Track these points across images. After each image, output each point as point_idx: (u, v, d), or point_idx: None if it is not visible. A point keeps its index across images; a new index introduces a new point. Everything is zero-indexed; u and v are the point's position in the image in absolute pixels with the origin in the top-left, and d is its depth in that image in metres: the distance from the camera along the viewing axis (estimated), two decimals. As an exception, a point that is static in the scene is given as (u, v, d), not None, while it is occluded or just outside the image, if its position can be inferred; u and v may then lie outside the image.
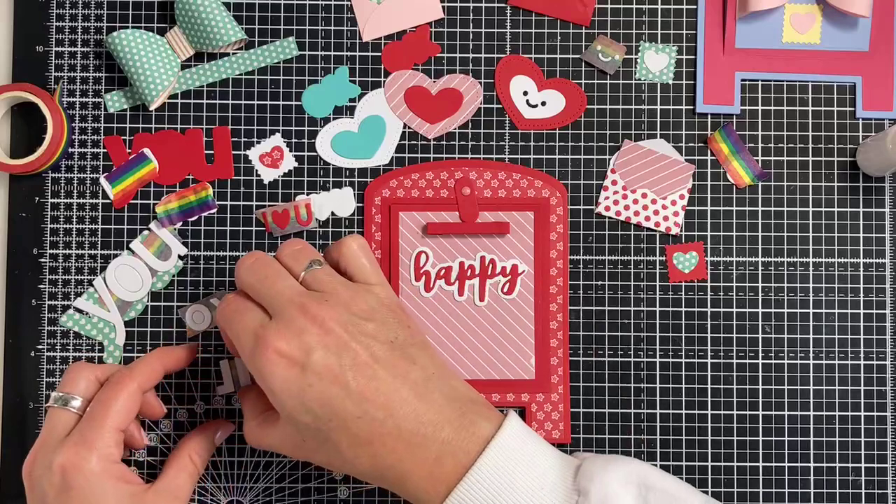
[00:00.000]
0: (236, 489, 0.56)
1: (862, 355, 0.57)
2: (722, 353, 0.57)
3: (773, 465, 0.57)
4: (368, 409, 0.43)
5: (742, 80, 0.58)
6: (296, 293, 0.45)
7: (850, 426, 0.57)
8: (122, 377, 0.48)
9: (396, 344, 0.45)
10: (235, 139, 0.58)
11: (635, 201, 0.58)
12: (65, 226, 0.58)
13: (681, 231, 0.58)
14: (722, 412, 0.57)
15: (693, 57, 0.58)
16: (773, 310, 0.57)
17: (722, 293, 0.57)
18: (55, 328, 0.57)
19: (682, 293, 0.58)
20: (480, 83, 0.58)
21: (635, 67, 0.58)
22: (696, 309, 0.57)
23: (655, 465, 0.47)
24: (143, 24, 0.58)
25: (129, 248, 0.58)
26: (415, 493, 0.44)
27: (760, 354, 0.57)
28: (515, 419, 0.45)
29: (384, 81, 0.58)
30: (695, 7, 0.58)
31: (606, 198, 0.58)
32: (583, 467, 0.44)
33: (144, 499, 0.46)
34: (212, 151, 0.58)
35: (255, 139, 0.58)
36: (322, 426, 0.43)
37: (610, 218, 0.58)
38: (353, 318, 0.45)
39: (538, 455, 0.44)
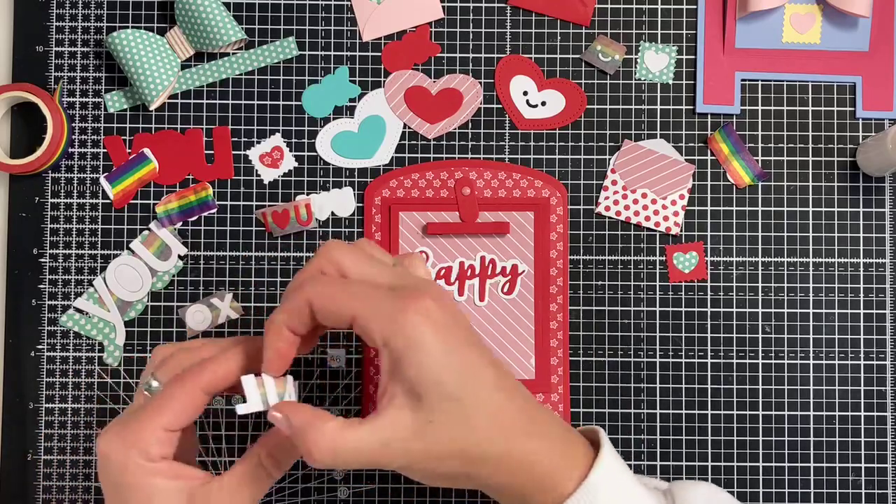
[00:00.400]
0: (236, 489, 0.56)
1: (862, 355, 0.57)
2: (722, 353, 0.57)
3: (773, 465, 0.57)
4: (504, 385, 0.43)
5: (742, 80, 0.58)
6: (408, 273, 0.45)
7: (850, 426, 0.57)
8: (189, 375, 0.44)
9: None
10: (235, 139, 0.58)
11: (635, 201, 0.58)
12: (65, 226, 0.58)
13: (681, 231, 0.58)
14: (722, 412, 0.57)
15: (693, 57, 0.58)
16: (773, 310, 0.57)
17: (722, 293, 0.57)
18: (55, 328, 0.57)
19: (682, 293, 0.58)
20: (480, 83, 0.58)
21: (635, 67, 0.58)
22: (696, 309, 0.57)
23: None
24: (143, 24, 0.58)
25: (129, 248, 0.58)
26: (543, 480, 0.42)
27: (760, 354, 0.57)
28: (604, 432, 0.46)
29: (384, 81, 0.58)
30: (695, 7, 0.58)
31: (606, 198, 0.58)
32: (677, 496, 0.45)
33: (194, 497, 0.43)
34: (212, 151, 0.58)
35: (255, 139, 0.58)
36: (465, 393, 0.41)
37: (610, 218, 0.58)
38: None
39: (634, 483, 0.45)
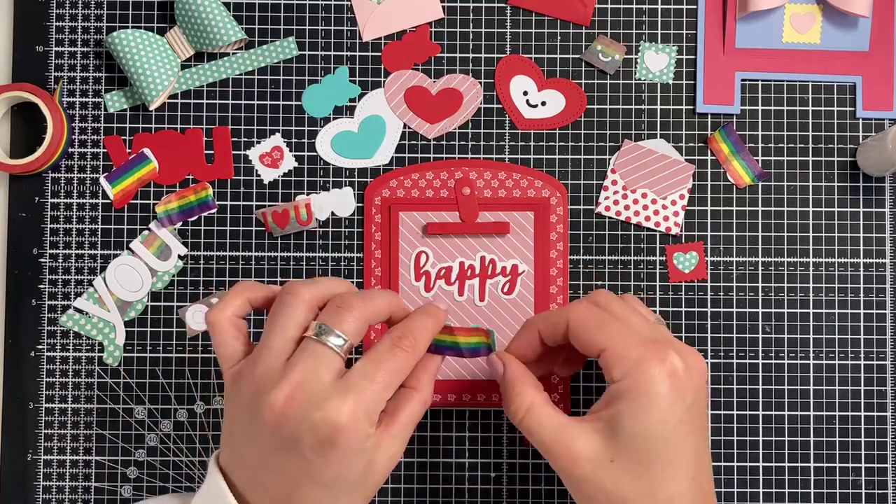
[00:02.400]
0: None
1: (862, 355, 0.57)
2: (722, 353, 0.57)
3: (773, 465, 0.57)
4: (693, 483, 0.44)
5: (742, 80, 0.58)
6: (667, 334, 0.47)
7: (850, 426, 0.57)
8: (411, 348, 0.44)
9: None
10: (235, 139, 0.58)
11: (635, 201, 0.58)
12: (65, 226, 0.58)
13: (681, 231, 0.58)
14: (722, 412, 0.57)
15: (693, 57, 0.58)
16: (773, 310, 0.57)
17: (722, 293, 0.57)
18: (55, 328, 0.57)
19: (682, 293, 0.58)
20: (480, 83, 0.58)
21: (635, 67, 0.58)
22: (696, 309, 0.57)
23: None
24: (143, 24, 0.58)
25: (129, 248, 0.58)
26: None
27: (760, 354, 0.57)
28: None
29: (384, 81, 0.58)
30: (695, 7, 0.58)
31: (606, 198, 0.58)
32: None
33: (381, 445, 0.43)
34: (212, 151, 0.58)
35: (255, 139, 0.58)
36: (653, 466, 0.43)
37: (610, 218, 0.58)
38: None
39: None
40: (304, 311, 0.44)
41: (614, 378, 0.44)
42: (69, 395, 0.57)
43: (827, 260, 0.58)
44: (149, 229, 0.58)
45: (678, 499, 0.43)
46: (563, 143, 0.58)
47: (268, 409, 0.42)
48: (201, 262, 0.58)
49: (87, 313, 0.57)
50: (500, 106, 0.58)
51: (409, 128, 0.58)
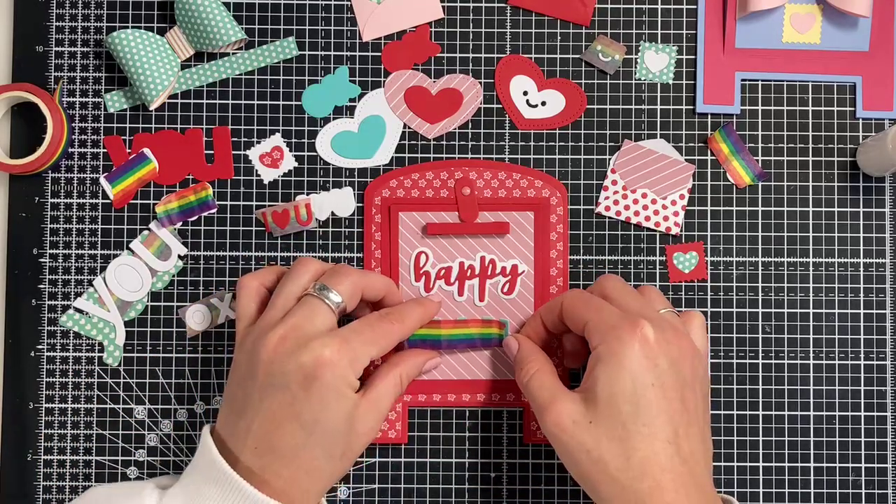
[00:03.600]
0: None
1: (862, 355, 0.57)
2: (722, 353, 0.57)
3: (773, 465, 0.57)
4: (673, 445, 0.46)
5: (742, 80, 0.58)
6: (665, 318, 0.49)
7: (850, 426, 0.57)
8: (398, 325, 0.51)
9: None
10: (235, 139, 0.58)
11: (635, 201, 0.58)
12: (65, 226, 0.58)
13: (681, 231, 0.58)
14: (722, 412, 0.57)
15: (693, 57, 0.58)
16: (773, 310, 0.57)
17: (722, 293, 0.57)
18: (55, 328, 0.57)
19: (682, 293, 0.58)
20: (480, 83, 0.58)
21: (635, 67, 0.58)
22: (696, 309, 0.57)
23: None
24: (143, 24, 0.58)
25: (129, 248, 0.58)
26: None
27: (760, 354, 0.57)
28: None
29: (384, 81, 0.58)
30: (695, 7, 0.58)
31: (606, 198, 0.58)
32: None
33: (359, 406, 0.48)
34: (212, 151, 0.58)
35: (255, 139, 0.58)
36: (629, 427, 0.45)
37: (610, 218, 0.58)
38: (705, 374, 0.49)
39: None
40: (308, 279, 0.51)
41: (593, 345, 0.47)
42: (69, 395, 0.57)
43: (827, 260, 0.58)
44: (149, 229, 0.58)
45: (652, 458, 0.45)
46: (563, 143, 0.58)
47: (263, 349, 0.47)
48: (201, 262, 0.58)
49: (87, 313, 0.57)
50: (500, 106, 0.58)
51: (409, 128, 0.58)
